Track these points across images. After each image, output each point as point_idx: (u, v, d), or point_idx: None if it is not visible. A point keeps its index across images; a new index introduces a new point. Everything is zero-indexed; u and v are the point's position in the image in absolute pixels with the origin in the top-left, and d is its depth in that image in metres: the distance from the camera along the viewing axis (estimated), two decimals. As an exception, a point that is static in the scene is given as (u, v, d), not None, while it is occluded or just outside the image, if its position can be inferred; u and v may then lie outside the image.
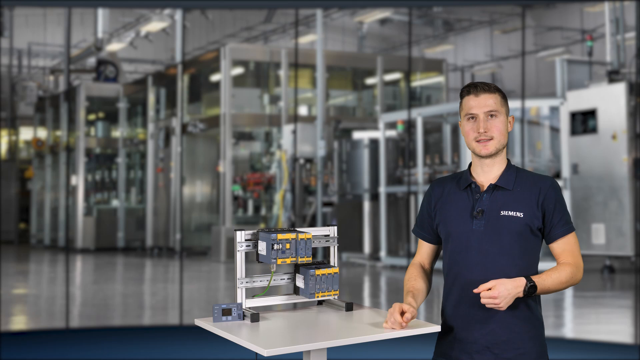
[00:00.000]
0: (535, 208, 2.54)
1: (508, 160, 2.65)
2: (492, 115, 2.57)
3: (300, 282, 2.69)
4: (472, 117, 2.59)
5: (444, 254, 2.68)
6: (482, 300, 2.43)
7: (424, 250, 2.77)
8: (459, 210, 2.61)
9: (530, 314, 2.55)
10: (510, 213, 2.54)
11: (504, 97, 2.62)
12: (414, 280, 2.69)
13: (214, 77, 16.80)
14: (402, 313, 2.45)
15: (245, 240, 2.65)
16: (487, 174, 2.62)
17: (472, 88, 2.61)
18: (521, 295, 2.44)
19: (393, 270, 13.01)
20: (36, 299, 10.76)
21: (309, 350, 2.36)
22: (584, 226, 11.67)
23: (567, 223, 2.57)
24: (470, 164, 2.69)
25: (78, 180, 18.05)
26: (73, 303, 9.54)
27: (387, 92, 18.24)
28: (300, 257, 2.61)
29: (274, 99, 16.61)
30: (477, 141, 2.58)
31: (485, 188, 2.60)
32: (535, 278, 2.46)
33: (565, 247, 2.56)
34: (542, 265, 2.59)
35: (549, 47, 21.75)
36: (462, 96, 2.64)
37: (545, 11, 22.79)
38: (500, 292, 2.40)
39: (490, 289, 2.42)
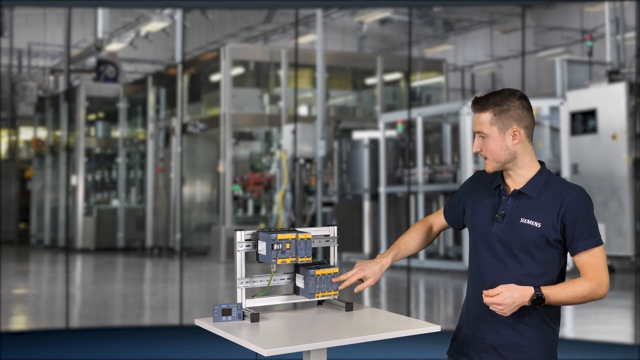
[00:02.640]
0: (555, 219, 2.49)
1: (542, 164, 2.61)
2: (482, 137, 2.56)
3: (300, 282, 2.69)
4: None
5: (469, 252, 2.71)
6: (485, 300, 2.43)
7: (441, 220, 2.85)
8: (485, 211, 2.62)
9: (541, 320, 2.54)
10: (529, 222, 2.51)
11: (502, 111, 2.52)
12: (412, 235, 2.81)
13: (214, 77, 16.80)
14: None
15: (245, 240, 2.65)
16: (515, 179, 2.59)
17: (472, 104, 2.59)
18: (527, 304, 2.43)
19: (393, 270, 13.00)
20: (36, 299, 10.76)
21: (309, 350, 2.36)
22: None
23: (591, 237, 2.49)
24: None
25: (78, 180, 18.05)
26: (73, 303, 9.54)
27: (387, 92, 18.23)
28: (300, 257, 2.61)
29: (274, 99, 16.61)
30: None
31: (510, 192, 2.59)
32: (546, 289, 2.43)
33: (587, 260, 2.49)
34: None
35: (549, 47, 21.74)
36: None
37: (545, 11, 22.79)
38: (504, 299, 2.39)
39: (497, 295, 2.41)
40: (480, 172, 2.74)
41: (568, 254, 2.57)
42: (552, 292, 2.43)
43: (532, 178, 2.56)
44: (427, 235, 2.84)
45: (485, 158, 2.58)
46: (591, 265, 2.48)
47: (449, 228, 2.85)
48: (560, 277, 2.57)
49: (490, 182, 2.66)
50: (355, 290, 2.65)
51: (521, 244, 2.51)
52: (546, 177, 2.56)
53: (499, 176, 2.64)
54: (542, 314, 2.53)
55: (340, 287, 2.64)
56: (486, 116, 2.54)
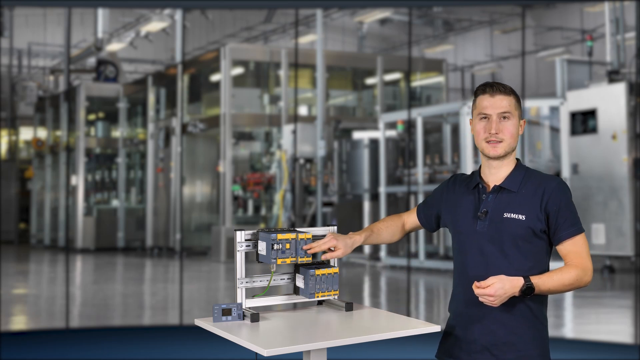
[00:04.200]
0: (539, 210, 2.52)
1: (518, 160, 2.64)
2: (504, 117, 2.57)
3: (300, 282, 2.69)
4: (485, 117, 2.58)
5: (453, 253, 2.70)
6: (476, 292, 2.43)
7: (413, 219, 2.86)
8: (466, 211, 2.62)
9: (532, 316, 2.54)
10: (513, 215, 2.53)
11: (519, 100, 2.61)
12: (386, 225, 2.83)
13: (214, 77, 16.80)
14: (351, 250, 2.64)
15: (245, 240, 2.65)
16: (495, 175, 2.61)
17: (488, 87, 2.60)
18: (517, 294, 2.44)
19: (393, 270, 13.00)
20: (36, 299, 10.76)
21: (309, 350, 2.36)
22: (584, 226, 11.66)
23: (574, 225, 2.54)
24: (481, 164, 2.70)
25: (78, 180, 18.05)
26: (73, 303, 9.54)
27: (387, 92, 18.23)
28: (300, 257, 2.61)
29: (274, 99, 16.61)
30: (487, 142, 2.58)
31: (491, 189, 2.61)
32: (535, 279, 2.45)
33: (571, 248, 2.53)
34: (554, 265, 2.58)
35: (549, 47, 21.74)
36: (476, 94, 2.63)
37: (545, 11, 22.79)
38: (496, 290, 2.39)
39: (488, 286, 2.41)
40: (456, 176, 2.76)
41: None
42: (541, 281, 2.45)
43: (511, 173, 2.60)
44: (399, 231, 2.85)
45: (498, 142, 2.57)
46: (575, 252, 2.53)
47: (421, 228, 2.86)
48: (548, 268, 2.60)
49: (468, 182, 2.68)
50: (323, 257, 2.64)
51: (508, 239, 2.52)
52: (524, 171, 2.61)
53: (476, 175, 2.66)
54: (533, 311, 2.54)
55: (309, 252, 2.62)
56: (512, 99, 2.59)
